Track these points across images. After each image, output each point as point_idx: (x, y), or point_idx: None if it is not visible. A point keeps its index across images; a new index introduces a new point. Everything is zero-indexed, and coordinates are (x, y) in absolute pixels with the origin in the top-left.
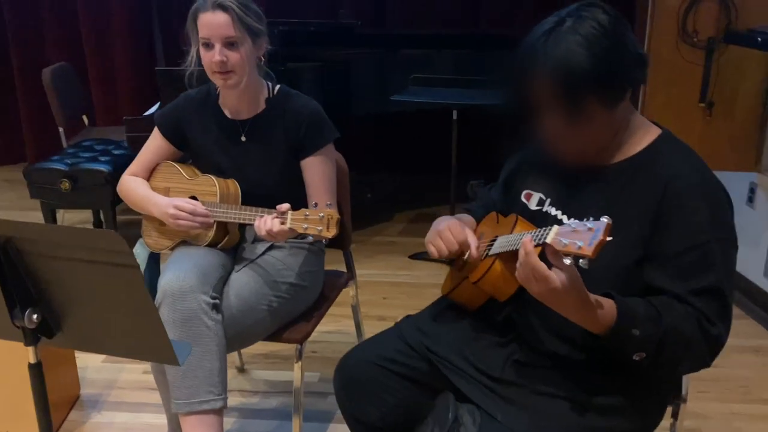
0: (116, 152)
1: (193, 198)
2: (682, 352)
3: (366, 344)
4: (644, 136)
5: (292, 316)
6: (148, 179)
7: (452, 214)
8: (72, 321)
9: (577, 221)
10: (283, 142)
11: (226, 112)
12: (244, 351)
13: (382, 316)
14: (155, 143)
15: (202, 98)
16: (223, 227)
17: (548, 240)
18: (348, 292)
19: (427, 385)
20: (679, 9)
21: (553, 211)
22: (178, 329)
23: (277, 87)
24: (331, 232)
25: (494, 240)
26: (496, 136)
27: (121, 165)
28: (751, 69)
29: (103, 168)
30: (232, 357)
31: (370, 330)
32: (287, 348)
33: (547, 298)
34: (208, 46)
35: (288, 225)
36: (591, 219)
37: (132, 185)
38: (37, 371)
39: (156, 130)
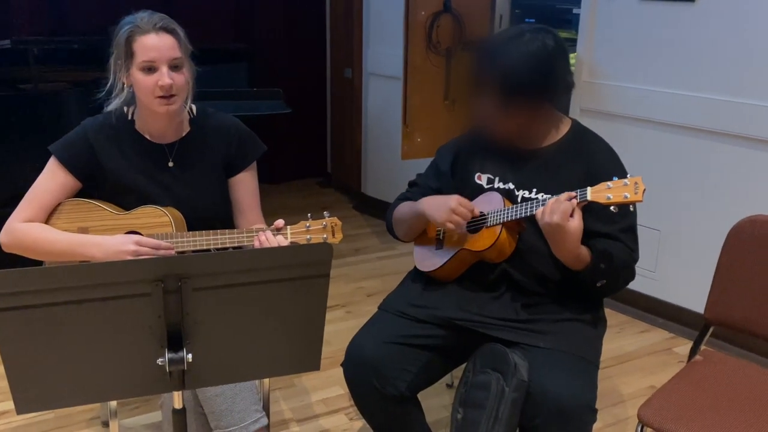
0: None
1: (133, 233)
2: (623, 275)
3: (368, 331)
4: (561, 125)
5: None
6: (46, 223)
7: None
8: (210, 355)
9: (610, 182)
10: (215, 161)
11: (148, 137)
12: None
13: None
14: (56, 180)
15: (113, 124)
16: None
17: (590, 198)
18: None
19: (442, 348)
20: (425, 24)
21: (503, 186)
22: None
23: (193, 106)
24: (338, 238)
25: (483, 214)
26: None
27: None
28: None
29: None
30: None
31: None
32: None
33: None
34: (151, 69)
35: (289, 239)
36: (620, 178)
37: (37, 232)
38: (180, 418)
39: (55, 164)
